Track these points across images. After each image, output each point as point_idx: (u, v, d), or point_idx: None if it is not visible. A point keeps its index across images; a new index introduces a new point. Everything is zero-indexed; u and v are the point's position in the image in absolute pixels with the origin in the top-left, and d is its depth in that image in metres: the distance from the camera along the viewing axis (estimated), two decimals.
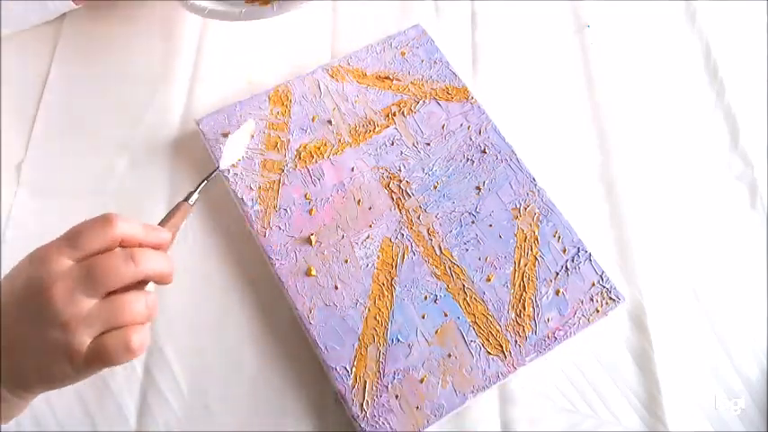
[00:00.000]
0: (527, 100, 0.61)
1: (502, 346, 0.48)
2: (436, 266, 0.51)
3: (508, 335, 0.49)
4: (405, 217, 0.53)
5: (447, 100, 0.58)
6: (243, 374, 0.49)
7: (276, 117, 0.57)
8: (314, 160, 0.55)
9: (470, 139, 0.56)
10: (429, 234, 0.52)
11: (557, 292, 0.50)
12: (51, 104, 0.58)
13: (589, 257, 0.52)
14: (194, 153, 0.57)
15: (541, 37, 0.64)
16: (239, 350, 0.49)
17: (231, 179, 0.53)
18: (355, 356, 0.48)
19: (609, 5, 0.67)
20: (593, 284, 0.51)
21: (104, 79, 0.60)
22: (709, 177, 0.59)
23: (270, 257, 0.51)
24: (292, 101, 0.58)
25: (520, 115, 0.60)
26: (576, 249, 0.52)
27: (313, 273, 0.50)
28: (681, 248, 0.55)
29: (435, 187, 0.54)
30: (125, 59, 0.61)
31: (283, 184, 0.54)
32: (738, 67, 0.64)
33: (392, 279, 0.50)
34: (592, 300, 0.50)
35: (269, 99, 0.58)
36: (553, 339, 0.49)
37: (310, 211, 0.53)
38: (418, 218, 0.53)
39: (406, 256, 0.51)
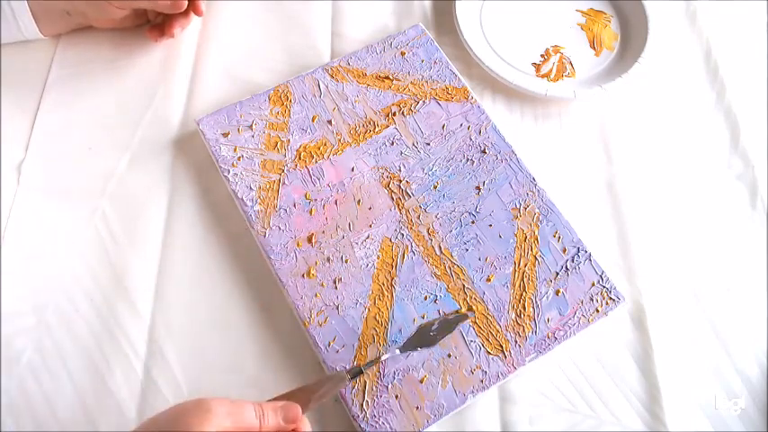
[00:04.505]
0: (526, 99, 0.61)
1: (502, 347, 0.48)
2: (436, 266, 0.51)
3: (508, 335, 0.49)
4: (405, 217, 0.53)
5: (447, 100, 0.58)
6: (243, 374, 0.49)
7: (276, 117, 0.57)
8: (314, 160, 0.55)
9: (470, 139, 0.56)
10: (429, 234, 0.52)
11: (557, 292, 0.50)
12: (51, 105, 0.58)
13: (589, 257, 0.52)
14: (194, 153, 0.57)
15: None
16: (239, 350, 0.49)
17: (231, 179, 0.53)
18: (355, 356, 0.47)
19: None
20: (593, 284, 0.51)
21: (104, 79, 0.60)
22: (709, 177, 0.59)
23: (270, 257, 0.51)
24: (292, 101, 0.58)
25: (519, 114, 0.61)
26: (575, 249, 0.52)
27: (313, 273, 0.50)
28: (681, 249, 0.55)
29: (435, 187, 0.54)
30: (125, 60, 0.61)
31: (283, 184, 0.54)
32: (738, 67, 0.64)
33: (392, 279, 0.50)
34: (592, 300, 0.50)
35: (269, 99, 0.57)
36: (553, 339, 0.49)
37: (310, 212, 0.53)
38: (418, 218, 0.53)
39: (405, 256, 0.51)
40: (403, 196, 0.54)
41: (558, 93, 0.60)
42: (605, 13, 0.66)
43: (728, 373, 0.50)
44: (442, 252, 0.52)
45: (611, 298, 0.50)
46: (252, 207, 0.52)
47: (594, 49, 0.64)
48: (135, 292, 0.51)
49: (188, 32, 0.63)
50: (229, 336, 0.50)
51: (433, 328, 0.47)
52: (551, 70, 0.62)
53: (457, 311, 0.48)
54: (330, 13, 0.65)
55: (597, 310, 0.50)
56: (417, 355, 0.48)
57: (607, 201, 0.57)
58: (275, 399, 0.41)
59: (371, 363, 0.45)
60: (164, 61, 0.61)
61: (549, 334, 0.49)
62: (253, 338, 0.50)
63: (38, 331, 0.49)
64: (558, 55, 0.63)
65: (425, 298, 0.50)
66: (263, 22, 0.64)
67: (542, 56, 0.63)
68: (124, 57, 0.61)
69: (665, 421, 0.48)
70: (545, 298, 0.50)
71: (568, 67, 0.63)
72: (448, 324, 0.47)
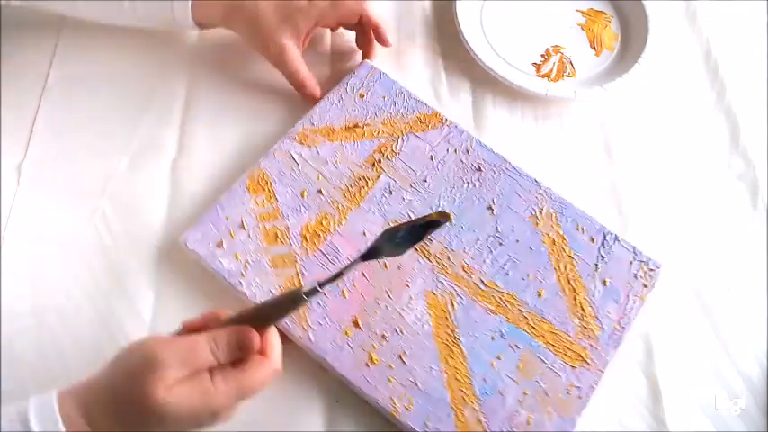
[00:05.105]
0: (527, 99, 0.61)
1: (581, 356, 0.47)
2: (487, 302, 0.49)
3: (582, 342, 0.48)
4: (435, 264, 0.50)
5: (423, 130, 0.56)
6: None
7: (263, 206, 0.52)
8: (321, 239, 0.51)
9: (461, 161, 0.55)
10: (466, 272, 0.50)
11: (603, 283, 0.50)
12: (51, 105, 0.58)
13: (616, 238, 0.51)
14: None
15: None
16: None
17: (247, 291, 0.48)
18: (456, 425, 0.44)
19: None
20: (631, 263, 0.50)
21: (104, 80, 0.60)
22: (709, 177, 0.59)
23: (325, 359, 0.46)
24: (272, 182, 0.53)
25: (520, 114, 0.61)
26: (602, 236, 0.51)
27: (375, 358, 0.47)
28: (681, 248, 0.55)
29: (450, 222, 0.52)
30: (125, 60, 0.61)
31: (302, 275, 0.49)
32: (738, 67, 0.64)
33: (453, 331, 0.48)
34: (636, 277, 0.50)
35: (247, 189, 0.52)
36: (621, 329, 0.48)
37: (342, 294, 0.48)
38: (448, 259, 0.50)
39: (454, 302, 0.49)
40: (425, 243, 0.51)
41: (558, 93, 0.60)
42: (605, 14, 0.66)
43: (729, 373, 0.50)
44: (486, 285, 0.50)
45: (650, 268, 0.50)
46: None
47: (595, 49, 0.64)
48: (135, 292, 0.50)
49: (188, 33, 0.62)
50: None
51: (400, 234, 0.41)
52: (552, 70, 0.62)
53: (428, 215, 0.41)
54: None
55: (645, 286, 0.50)
56: (512, 399, 0.45)
57: (608, 201, 0.57)
58: (230, 319, 0.39)
59: (330, 280, 0.39)
60: (163, 62, 0.61)
61: (616, 326, 0.48)
62: None
63: (38, 331, 0.49)
64: (559, 55, 0.63)
65: (492, 338, 0.47)
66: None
67: (543, 56, 0.63)
68: (124, 57, 0.61)
69: (665, 421, 0.48)
70: (596, 293, 0.49)
71: (569, 67, 0.63)
72: (417, 231, 0.41)
